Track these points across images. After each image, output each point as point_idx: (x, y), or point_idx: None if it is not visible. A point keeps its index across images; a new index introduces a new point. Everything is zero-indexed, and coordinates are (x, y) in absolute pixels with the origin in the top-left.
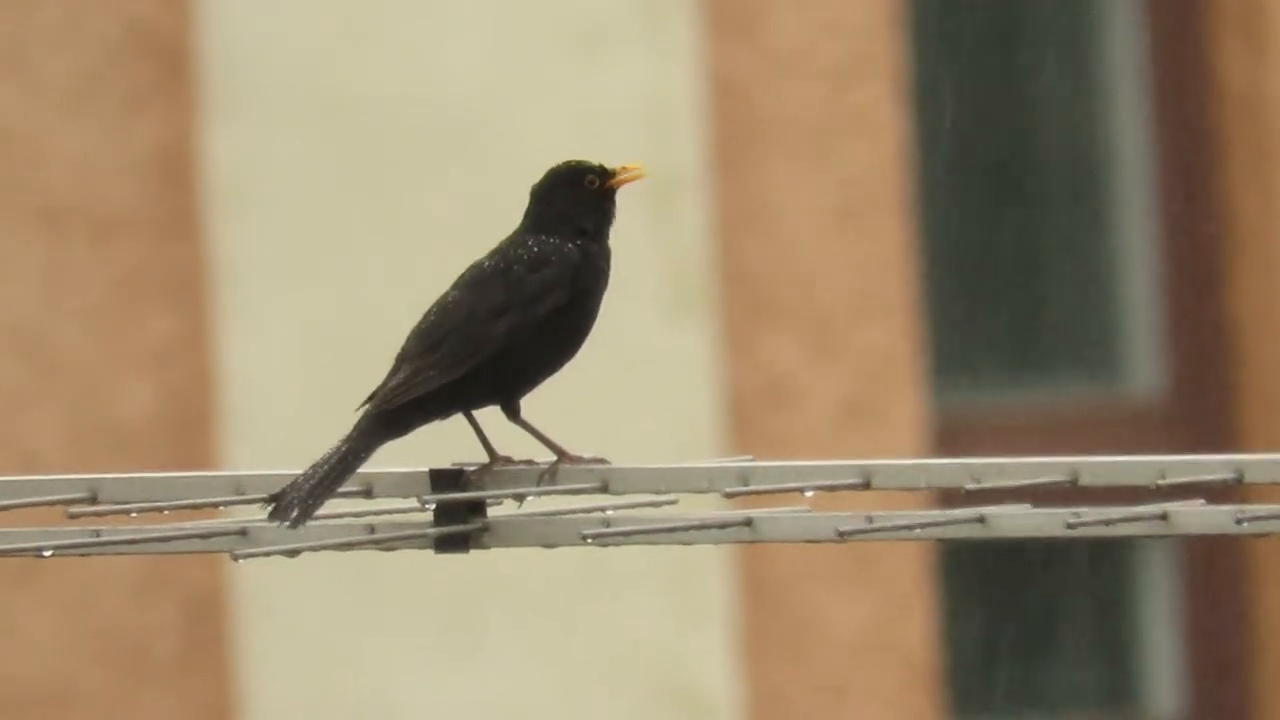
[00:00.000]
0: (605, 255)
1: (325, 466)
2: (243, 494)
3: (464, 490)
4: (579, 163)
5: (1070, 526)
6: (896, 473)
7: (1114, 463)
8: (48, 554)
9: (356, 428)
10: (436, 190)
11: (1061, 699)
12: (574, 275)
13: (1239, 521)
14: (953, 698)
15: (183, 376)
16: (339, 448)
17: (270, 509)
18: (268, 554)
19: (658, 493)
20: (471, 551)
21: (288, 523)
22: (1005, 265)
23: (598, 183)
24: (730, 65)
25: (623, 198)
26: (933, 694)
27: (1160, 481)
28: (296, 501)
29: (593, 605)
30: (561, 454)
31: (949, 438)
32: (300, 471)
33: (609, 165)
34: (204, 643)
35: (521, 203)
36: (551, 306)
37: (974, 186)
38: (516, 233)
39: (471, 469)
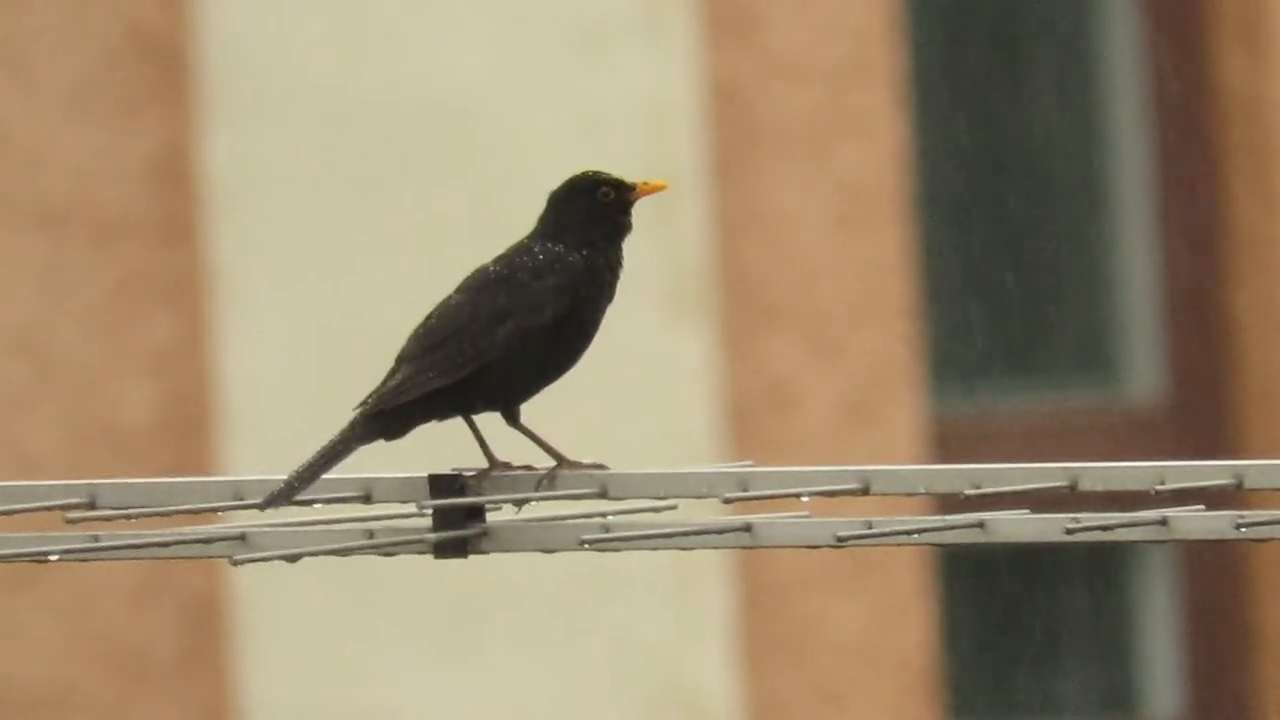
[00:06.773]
0: (612, 266)
1: (312, 457)
2: (241, 499)
3: (463, 495)
4: (596, 173)
5: (1070, 532)
6: (896, 478)
7: (1113, 468)
8: (54, 558)
9: (350, 425)
10: (435, 193)
11: (1060, 704)
12: (577, 284)
13: (1238, 527)
14: (951, 702)
15: (181, 379)
16: (329, 443)
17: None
18: (266, 559)
19: (657, 498)
20: (470, 557)
21: (267, 502)
22: (1004, 269)
23: (612, 195)
24: (730, 68)
25: None
26: (931, 699)
27: (1160, 487)
28: (283, 489)
29: (591, 610)
30: (560, 459)
31: (948, 442)
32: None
33: (628, 179)
34: (202, 647)
35: (521, 206)
36: (553, 314)
37: (973, 190)
38: (525, 239)
39: (470, 474)
